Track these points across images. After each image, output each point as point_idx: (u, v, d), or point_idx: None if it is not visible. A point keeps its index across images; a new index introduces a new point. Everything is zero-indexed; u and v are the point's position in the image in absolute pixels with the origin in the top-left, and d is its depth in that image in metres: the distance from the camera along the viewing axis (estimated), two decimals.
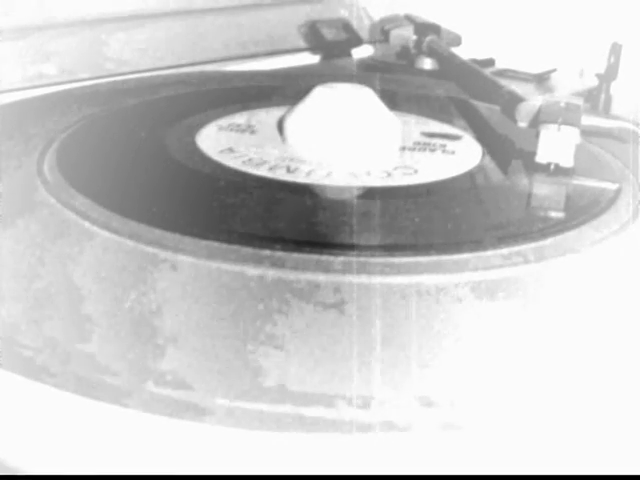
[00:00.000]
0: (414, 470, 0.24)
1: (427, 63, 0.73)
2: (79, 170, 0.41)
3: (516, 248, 0.34)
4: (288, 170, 0.42)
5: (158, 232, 0.34)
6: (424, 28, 0.73)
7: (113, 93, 0.57)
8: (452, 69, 0.65)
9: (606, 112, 0.65)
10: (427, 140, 0.48)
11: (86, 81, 0.62)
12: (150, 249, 0.33)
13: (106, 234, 0.34)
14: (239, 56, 0.75)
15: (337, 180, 0.41)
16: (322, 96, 0.46)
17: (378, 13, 0.86)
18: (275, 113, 0.51)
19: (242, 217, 0.37)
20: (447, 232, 0.36)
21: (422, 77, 0.70)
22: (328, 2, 0.85)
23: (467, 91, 0.60)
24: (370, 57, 0.81)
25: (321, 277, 0.31)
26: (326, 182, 0.41)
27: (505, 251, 0.34)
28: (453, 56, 0.67)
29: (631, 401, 0.27)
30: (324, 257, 0.33)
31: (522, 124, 0.46)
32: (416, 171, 0.43)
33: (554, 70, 0.75)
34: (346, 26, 0.81)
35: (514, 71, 0.74)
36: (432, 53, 0.72)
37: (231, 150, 0.45)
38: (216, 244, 0.33)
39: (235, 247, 0.33)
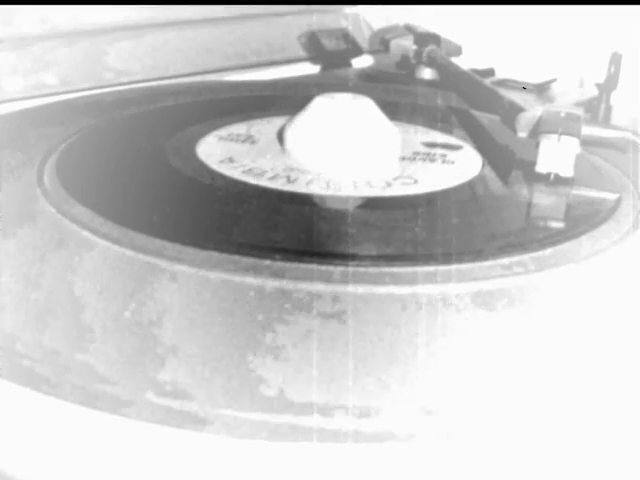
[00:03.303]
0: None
1: (427, 73, 0.73)
2: (79, 180, 0.41)
3: (516, 258, 0.34)
4: (288, 180, 0.42)
5: (158, 242, 0.34)
6: (424, 38, 0.74)
7: (113, 103, 0.57)
8: (452, 79, 0.65)
9: (606, 122, 0.65)
10: (427, 150, 0.49)
11: (86, 91, 0.62)
12: (150, 259, 0.33)
13: (106, 244, 0.34)
14: (239, 66, 0.75)
15: (337, 190, 0.41)
16: (322, 106, 0.46)
17: (378, 23, 0.87)
18: (275, 123, 0.51)
19: (242, 227, 0.37)
20: (447, 242, 0.36)
21: (422, 87, 0.70)
22: (328, 12, 0.85)
23: (467, 101, 0.60)
24: (370, 67, 0.81)
25: (321, 287, 0.31)
26: (326, 192, 0.41)
27: (505, 261, 0.34)
28: (453, 66, 0.67)
29: (631, 410, 0.27)
30: (324, 267, 0.32)
31: (522, 134, 0.46)
32: (416, 181, 0.43)
33: (554, 80, 0.75)
34: (346, 36, 0.81)
35: (514, 81, 0.74)
36: (432, 63, 0.72)
37: (231, 160, 0.45)
38: (216, 254, 0.33)
39: (235, 257, 0.33)
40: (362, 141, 0.46)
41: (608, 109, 0.66)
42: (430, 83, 0.72)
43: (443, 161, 0.47)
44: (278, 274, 0.32)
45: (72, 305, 0.30)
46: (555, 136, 0.42)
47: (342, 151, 0.45)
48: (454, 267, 0.33)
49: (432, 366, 0.28)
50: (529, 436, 0.25)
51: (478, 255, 0.34)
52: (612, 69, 0.65)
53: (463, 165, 0.46)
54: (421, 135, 0.52)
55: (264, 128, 0.51)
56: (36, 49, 0.62)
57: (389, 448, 0.25)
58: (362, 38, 0.85)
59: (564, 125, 0.43)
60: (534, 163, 0.43)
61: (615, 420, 0.26)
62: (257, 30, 0.78)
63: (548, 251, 0.35)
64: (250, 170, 0.43)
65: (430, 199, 0.41)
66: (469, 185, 0.43)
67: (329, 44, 0.79)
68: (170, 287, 0.32)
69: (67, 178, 0.41)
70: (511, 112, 0.48)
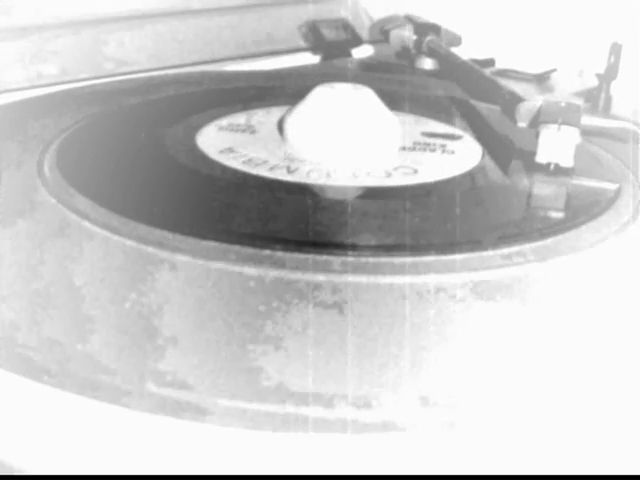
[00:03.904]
0: (414, 470, 0.24)
1: (427, 63, 0.73)
2: (79, 170, 0.41)
3: (516, 248, 0.34)
4: (288, 170, 0.42)
5: (158, 232, 0.34)
6: (424, 28, 0.73)
7: (113, 93, 0.57)
8: (452, 69, 0.65)
9: (606, 112, 0.65)
10: (427, 140, 0.48)
11: (86, 81, 0.62)
12: (150, 249, 0.33)
13: (106, 234, 0.34)
14: (239, 56, 0.74)
15: (337, 180, 0.41)
16: (322, 96, 0.46)
17: (378, 13, 0.86)
18: (275, 113, 0.51)
19: (242, 217, 0.37)
20: (447, 232, 0.36)
21: (422, 77, 0.70)
22: (328, 2, 0.85)
23: (467, 91, 0.60)
24: (370, 57, 0.81)
25: (321, 277, 0.31)
26: (326, 182, 0.41)
27: (505, 251, 0.34)
28: (453, 56, 0.67)
29: (631, 400, 0.27)
30: (324, 257, 0.33)
31: (522, 124, 0.46)
32: (416, 171, 0.43)
33: (554, 70, 0.75)
34: (346, 26, 0.81)
35: (514, 71, 0.74)
36: (432, 53, 0.72)
37: (231, 150, 0.45)
38: (216, 244, 0.33)
39: (235, 247, 0.33)
40: (362, 131, 0.46)
41: (608, 99, 0.66)
42: (430, 73, 0.72)
43: (443, 151, 0.47)
44: (278, 264, 0.32)
45: (72, 295, 0.30)
46: (555, 126, 0.42)
47: (342, 141, 0.45)
48: (454, 257, 0.33)
49: (432, 356, 0.28)
50: (529, 426, 0.26)
51: (478, 245, 0.34)
52: (612, 59, 0.65)
53: (463, 155, 0.46)
54: (421, 125, 0.52)
55: (264, 118, 0.51)
56: (36, 39, 0.62)
57: (389, 438, 0.25)
58: (362, 28, 0.85)
59: (564, 115, 0.43)
60: (534, 153, 0.43)
61: (615, 410, 0.26)
62: (257, 20, 0.78)
63: (548, 241, 0.35)
64: (250, 160, 0.43)
65: (430, 189, 0.41)
66: (469, 175, 0.43)
67: (329, 34, 0.79)
68: (170, 277, 0.32)
69: (67, 168, 0.41)
70: (511, 102, 0.48)
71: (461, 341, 0.29)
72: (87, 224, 0.35)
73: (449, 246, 0.34)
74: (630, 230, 0.37)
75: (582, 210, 0.39)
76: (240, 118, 0.51)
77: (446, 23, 0.75)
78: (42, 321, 0.29)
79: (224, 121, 0.51)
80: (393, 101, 0.50)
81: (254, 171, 0.42)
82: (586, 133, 0.44)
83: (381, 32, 0.79)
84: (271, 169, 0.42)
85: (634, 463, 0.25)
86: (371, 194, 0.41)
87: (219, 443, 0.25)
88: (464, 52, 0.69)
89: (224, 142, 0.46)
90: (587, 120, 0.44)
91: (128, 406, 0.25)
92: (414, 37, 0.74)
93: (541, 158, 0.43)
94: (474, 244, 0.34)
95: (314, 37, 0.80)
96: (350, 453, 0.25)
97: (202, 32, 0.73)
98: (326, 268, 0.32)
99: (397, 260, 0.33)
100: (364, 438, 0.25)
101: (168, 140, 0.46)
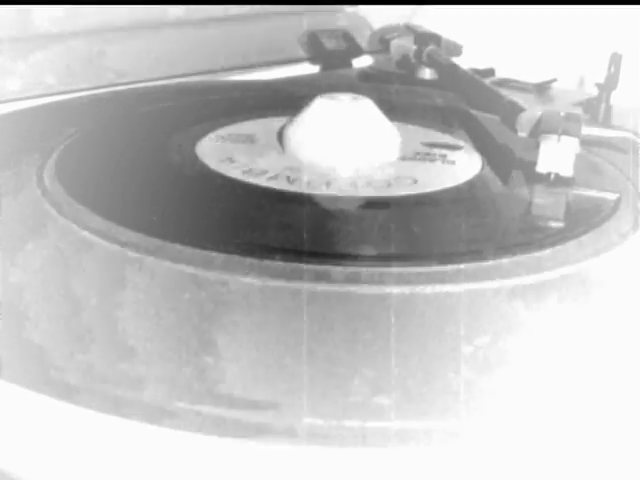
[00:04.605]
0: None
1: (427, 73, 0.73)
2: (79, 180, 0.41)
3: (516, 258, 0.34)
4: (288, 180, 0.42)
5: (158, 242, 0.34)
6: (424, 38, 0.73)
7: (113, 103, 0.57)
8: (452, 79, 0.65)
9: (606, 122, 0.65)
10: (427, 150, 0.48)
11: (86, 91, 0.62)
12: (151, 259, 0.33)
13: (104, 243, 0.34)
14: (239, 66, 0.75)
15: (337, 190, 0.41)
16: (322, 106, 0.46)
17: (378, 23, 0.86)
18: (275, 123, 0.51)
19: (242, 227, 0.37)
20: (447, 242, 0.36)
21: (422, 87, 0.70)
22: (328, 12, 0.85)
23: (467, 101, 0.60)
24: (370, 67, 0.81)
25: (321, 287, 0.31)
26: (326, 192, 0.41)
27: (505, 261, 0.34)
28: (453, 66, 0.67)
29: (632, 410, 0.27)
30: (324, 267, 0.32)
31: (522, 134, 0.46)
32: (416, 181, 0.43)
33: (554, 80, 0.75)
34: (346, 36, 0.81)
35: (514, 81, 0.74)
36: (432, 63, 0.72)
37: (231, 160, 0.45)
38: (215, 254, 0.33)
39: (235, 257, 0.33)
40: (362, 141, 0.46)
41: (608, 109, 0.66)
42: (430, 83, 0.72)
43: (443, 161, 0.47)
44: (278, 274, 0.32)
45: (68, 304, 0.30)
46: (555, 136, 0.42)
47: (342, 151, 0.45)
48: (454, 267, 0.33)
49: (430, 367, 0.28)
50: (532, 437, 0.25)
51: (478, 255, 0.34)
52: (612, 69, 0.65)
53: (463, 165, 0.46)
54: (421, 135, 0.52)
55: (264, 128, 0.51)
56: (36, 49, 0.62)
57: (392, 449, 0.25)
58: (362, 38, 0.85)
59: (564, 125, 0.43)
60: (534, 163, 0.43)
61: (619, 422, 0.26)
62: (257, 30, 0.78)
63: (548, 251, 0.35)
64: (250, 170, 0.43)
65: (430, 199, 0.41)
66: (469, 185, 0.43)
67: (329, 44, 0.79)
68: (169, 286, 0.32)
69: (67, 178, 0.41)
70: (511, 112, 0.48)
71: (463, 351, 0.29)
72: (86, 233, 0.35)
73: (449, 256, 0.34)
74: (630, 240, 0.37)
75: (582, 220, 0.39)
76: (240, 128, 0.51)
77: (446, 33, 0.75)
78: (42, 331, 0.29)
79: (224, 131, 0.51)
80: (393, 111, 0.50)
81: (254, 181, 0.42)
82: (586, 143, 0.44)
83: (381, 42, 0.79)
84: (271, 179, 0.42)
85: (635, 474, 0.25)
86: (371, 204, 0.41)
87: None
88: (464, 62, 0.69)
89: (224, 152, 0.46)
90: (587, 130, 0.44)
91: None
92: (414, 47, 0.74)
93: (541, 168, 0.43)
94: (474, 254, 0.34)
95: (314, 47, 0.80)
96: (353, 465, 0.25)
97: (202, 42, 0.73)
98: (326, 278, 0.32)
99: (396, 270, 0.33)
100: (367, 450, 0.25)
101: (168, 150, 0.46)
